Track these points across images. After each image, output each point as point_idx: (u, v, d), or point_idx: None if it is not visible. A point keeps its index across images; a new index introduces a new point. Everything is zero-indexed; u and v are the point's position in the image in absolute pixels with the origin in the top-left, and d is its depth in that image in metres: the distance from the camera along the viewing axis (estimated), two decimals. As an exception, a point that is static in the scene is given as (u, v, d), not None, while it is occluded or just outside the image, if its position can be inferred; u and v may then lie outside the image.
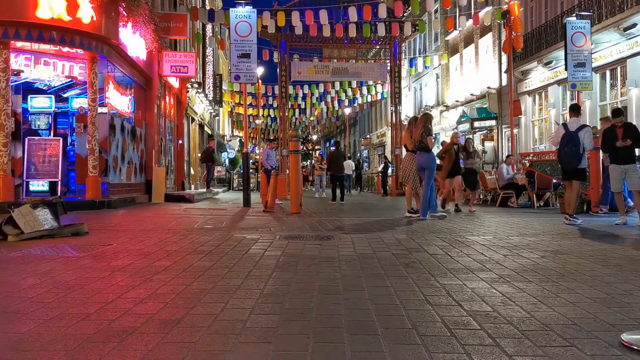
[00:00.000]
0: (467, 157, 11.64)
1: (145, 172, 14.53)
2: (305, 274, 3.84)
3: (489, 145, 24.55)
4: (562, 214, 8.92)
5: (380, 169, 25.54)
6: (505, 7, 17.46)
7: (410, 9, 20.52)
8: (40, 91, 12.18)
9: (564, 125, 8.29)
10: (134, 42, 12.64)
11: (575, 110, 8.50)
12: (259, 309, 2.83)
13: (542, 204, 12.75)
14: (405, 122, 14.41)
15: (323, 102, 32.40)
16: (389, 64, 21.62)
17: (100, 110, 11.17)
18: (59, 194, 11.24)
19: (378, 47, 24.70)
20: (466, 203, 11.97)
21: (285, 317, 2.69)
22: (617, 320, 2.66)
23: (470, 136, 22.30)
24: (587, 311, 2.82)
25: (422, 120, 9.02)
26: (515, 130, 19.58)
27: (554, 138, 8.54)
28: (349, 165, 23.04)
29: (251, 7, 12.79)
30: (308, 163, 45.68)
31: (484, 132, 25.18)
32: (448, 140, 12.75)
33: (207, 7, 22.70)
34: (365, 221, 8.47)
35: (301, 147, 14.34)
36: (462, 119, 26.15)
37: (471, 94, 25.63)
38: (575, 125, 8.05)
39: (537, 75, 20.30)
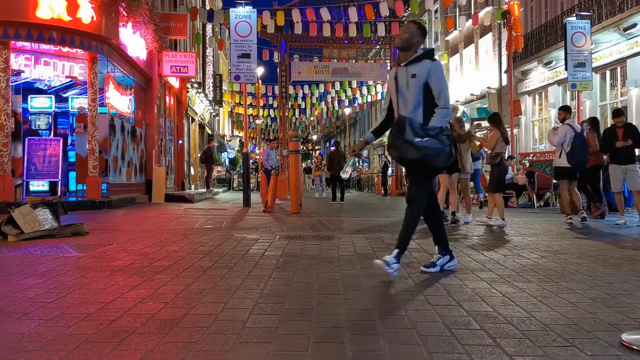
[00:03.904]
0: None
1: (145, 172, 14.52)
2: (305, 274, 3.84)
3: None
4: (562, 214, 8.92)
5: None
6: (505, 7, 17.45)
7: (410, 8, 20.49)
8: (40, 91, 12.17)
9: (571, 126, 8.20)
10: (134, 42, 12.63)
11: (570, 111, 8.54)
12: (259, 309, 2.83)
13: (542, 204, 12.75)
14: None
15: (323, 102, 32.36)
16: (389, 64, 21.61)
17: (100, 110, 11.16)
18: (59, 194, 11.24)
19: (378, 47, 24.67)
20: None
21: (285, 317, 2.69)
22: (617, 320, 2.66)
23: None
24: (587, 311, 2.82)
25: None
26: (515, 131, 19.57)
27: (557, 137, 8.40)
28: None
29: (251, 7, 12.79)
30: (309, 163, 45.62)
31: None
32: None
33: (207, 7, 22.68)
34: (365, 221, 8.47)
35: (301, 147, 14.32)
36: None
37: (471, 94, 25.60)
38: (579, 127, 8.12)
39: (537, 75, 20.28)
